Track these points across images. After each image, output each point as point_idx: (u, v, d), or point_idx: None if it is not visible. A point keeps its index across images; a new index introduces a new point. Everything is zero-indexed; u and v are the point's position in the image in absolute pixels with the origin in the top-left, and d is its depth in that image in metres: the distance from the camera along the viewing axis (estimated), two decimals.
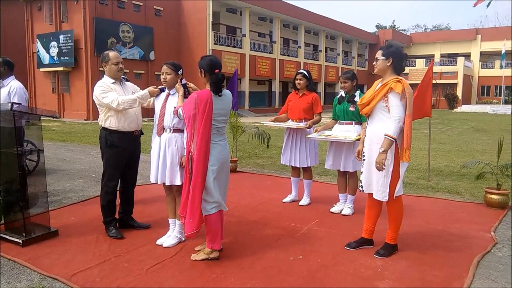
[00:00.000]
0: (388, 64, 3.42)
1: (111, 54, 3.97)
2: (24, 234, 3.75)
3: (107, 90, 3.85)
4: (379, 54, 3.48)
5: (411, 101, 3.34)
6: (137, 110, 4.05)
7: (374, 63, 3.51)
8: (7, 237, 3.78)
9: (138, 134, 4.13)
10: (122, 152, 3.98)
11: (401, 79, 3.36)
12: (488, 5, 10.39)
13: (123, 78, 4.18)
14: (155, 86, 3.93)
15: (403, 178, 3.54)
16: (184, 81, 3.67)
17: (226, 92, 3.44)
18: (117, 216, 4.15)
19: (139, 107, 4.07)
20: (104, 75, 4.01)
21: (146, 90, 3.90)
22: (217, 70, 3.30)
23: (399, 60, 3.44)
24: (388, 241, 3.58)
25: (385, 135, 3.30)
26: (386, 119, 3.37)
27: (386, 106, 3.38)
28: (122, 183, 4.19)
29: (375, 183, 3.48)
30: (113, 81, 3.96)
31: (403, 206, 3.59)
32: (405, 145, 3.31)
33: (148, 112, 5.92)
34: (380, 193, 3.45)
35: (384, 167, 3.32)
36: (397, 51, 3.46)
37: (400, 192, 3.47)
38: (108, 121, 3.91)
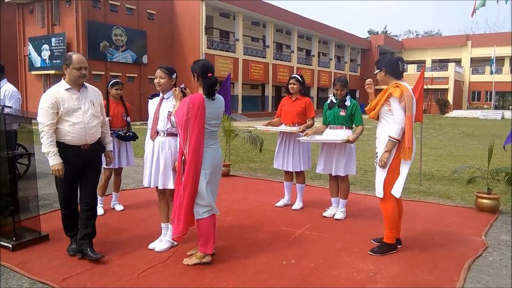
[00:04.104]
0: (384, 74, 3.69)
1: (75, 57, 3.43)
2: (14, 239, 3.71)
3: (47, 108, 3.34)
4: (375, 69, 3.76)
5: (411, 103, 3.54)
6: (88, 123, 3.47)
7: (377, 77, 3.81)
8: None
9: (87, 149, 3.53)
10: (68, 165, 3.44)
11: (400, 84, 3.58)
12: (475, 12, 10.53)
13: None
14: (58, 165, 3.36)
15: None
16: (183, 85, 3.64)
17: (219, 96, 3.46)
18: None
19: (94, 120, 3.53)
20: (62, 80, 3.52)
21: (51, 156, 3.35)
22: (210, 74, 3.32)
23: (392, 67, 3.68)
24: (384, 239, 3.72)
25: (388, 136, 3.55)
26: (391, 121, 3.60)
27: (390, 110, 3.60)
28: (79, 202, 3.66)
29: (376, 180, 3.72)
30: (68, 87, 3.43)
31: (395, 208, 3.65)
32: (406, 144, 3.51)
33: (141, 116, 5.87)
34: (376, 189, 3.69)
35: (386, 165, 3.57)
36: (389, 60, 3.71)
37: (397, 192, 3.56)
38: (56, 131, 3.43)
